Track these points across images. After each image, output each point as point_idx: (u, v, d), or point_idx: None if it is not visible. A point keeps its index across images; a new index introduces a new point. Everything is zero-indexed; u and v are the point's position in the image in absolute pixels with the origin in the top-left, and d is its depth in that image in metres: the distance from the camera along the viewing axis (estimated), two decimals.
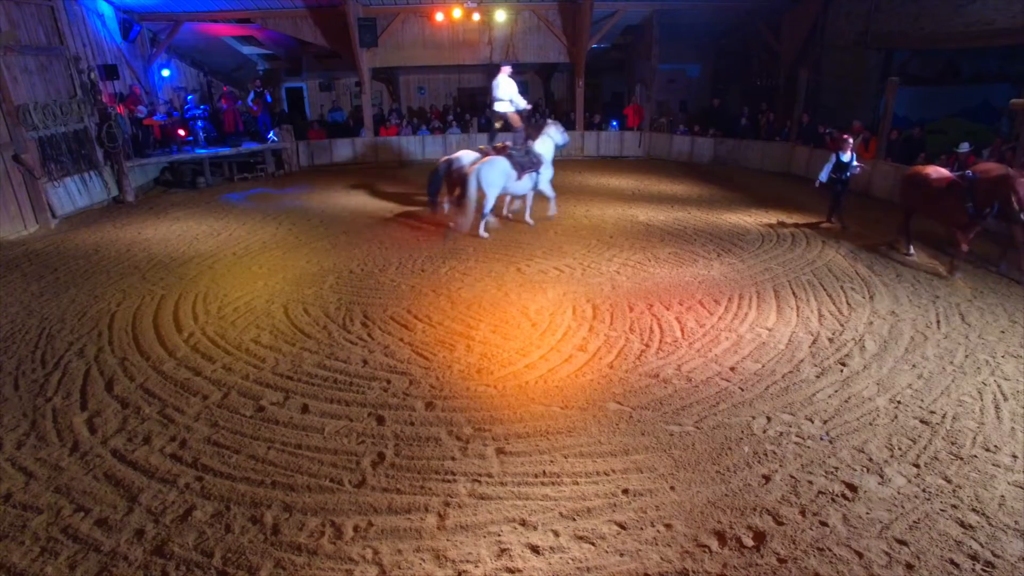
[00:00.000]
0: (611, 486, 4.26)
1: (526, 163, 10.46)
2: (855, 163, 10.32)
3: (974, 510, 3.98)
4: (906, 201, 9.16)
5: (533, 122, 12.05)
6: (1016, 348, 6.18)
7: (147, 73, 15.90)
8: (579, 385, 5.59)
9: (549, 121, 11.32)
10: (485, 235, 10.26)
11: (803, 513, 3.98)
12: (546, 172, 10.94)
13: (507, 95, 11.75)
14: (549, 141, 11.00)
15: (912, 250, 9.02)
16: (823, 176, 10.36)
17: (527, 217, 11.14)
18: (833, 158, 10.25)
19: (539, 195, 11.15)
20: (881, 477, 4.31)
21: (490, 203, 10.16)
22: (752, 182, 14.81)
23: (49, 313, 7.40)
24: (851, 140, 10.43)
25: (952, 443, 4.68)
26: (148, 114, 14.48)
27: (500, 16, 17.00)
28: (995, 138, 11.58)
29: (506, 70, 11.57)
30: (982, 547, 3.69)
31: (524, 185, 10.58)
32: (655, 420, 5.03)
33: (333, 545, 3.78)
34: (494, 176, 9.95)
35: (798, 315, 7.07)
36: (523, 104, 11.80)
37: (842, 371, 5.79)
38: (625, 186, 14.60)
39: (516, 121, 11.80)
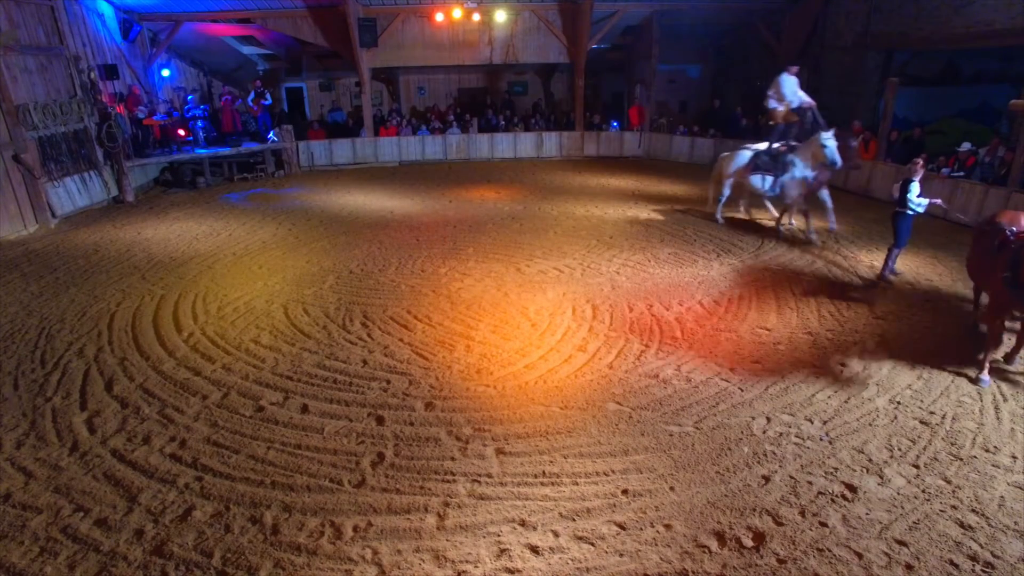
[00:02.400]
0: (611, 486, 4.26)
1: (763, 164, 10.16)
2: (921, 196, 7.58)
3: (974, 511, 3.98)
4: (970, 266, 6.63)
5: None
6: None
7: (147, 73, 15.90)
8: (579, 385, 5.59)
9: (823, 134, 9.45)
10: (720, 220, 11.05)
11: (803, 514, 3.98)
12: (790, 180, 9.92)
13: (778, 92, 10.46)
14: (808, 152, 9.70)
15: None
16: (921, 207, 7.56)
17: (809, 230, 10.03)
18: (912, 185, 7.52)
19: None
20: (881, 478, 4.31)
21: (724, 191, 10.89)
22: None
23: (49, 313, 7.40)
24: (920, 163, 7.64)
25: (952, 444, 4.68)
26: (148, 114, 14.49)
27: (500, 16, 17.01)
28: (992, 138, 11.58)
29: (793, 69, 10.41)
30: (982, 548, 3.69)
31: (758, 183, 10.35)
32: (655, 420, 5.03)
33: (333, 545, 3.78)
34: (727, 166, 10.73)
35: (798, 315, 7.07)
36: (796, 100, 10.32)
37: (842, 371, 5.79)
38: (625, 186, 14.61)
39: (778, 117, 10.69)
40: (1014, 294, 5.33)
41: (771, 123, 10.89)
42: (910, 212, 7.59)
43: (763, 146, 10.51)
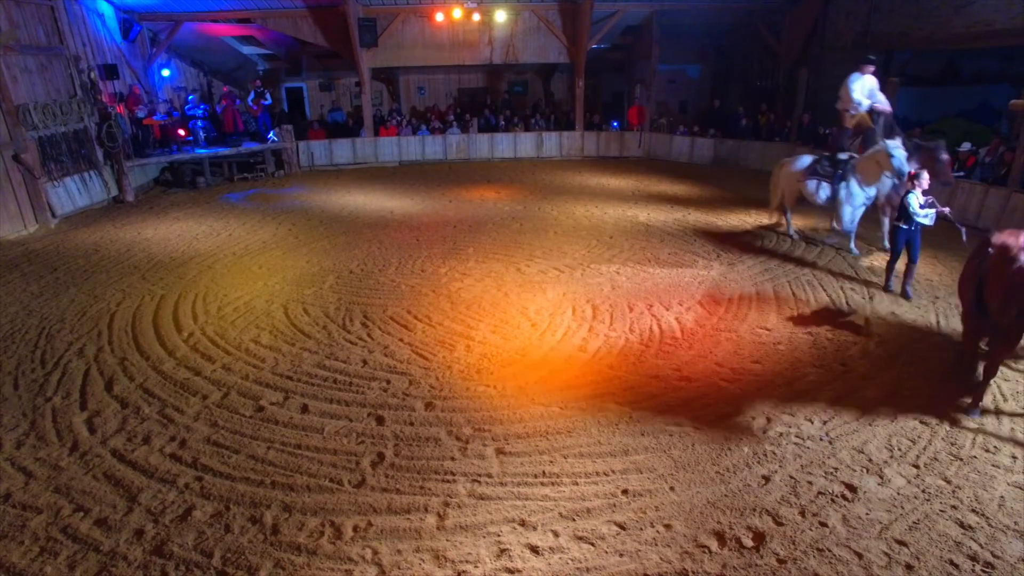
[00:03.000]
0: (611, 486, 4.26)
1: (821, 170, 9.21)
2: (927, 208, 7.10)
3: (974, 511, 3.98)
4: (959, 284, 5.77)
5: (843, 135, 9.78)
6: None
7: (147, 73, 15.90)
8: (579, 385, 5.59)
9: (888, 142, 8.29)
10: (781, 227, 10.37)
11: (803, 514, 3.98)
12: (844, 191, 8.82)
13: (845, 93, 9.61)
14: (869, 163, 8.56)
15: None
16: (929, 218, 7.13)
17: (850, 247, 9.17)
18: (910, 198, 7.11)
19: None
20: (881, 478, 4.31)
21: (786, 198, 10.06)
22: (752, 183, 14.79)
23: (49, 313, 7.40)
24: (925, 176, 7.23)
25: (952, 444, 4.68)
26: (148, 114, 14.49)
27: (500, 16, 17.01)
28: (993, 138, 11.58)
29: (867, 68, 9.40)
30: (982, 548, 3.69)
31: (812, 190, 9.33)
32: (655, 420, 5.03)
33: (333, 545, 3.78)
34: (783, 172, 9.95)
35: (798, 315, 7.07)
36: (865, 104, 9.33)
37: (842, 371, 5.79)
38: (625, 186, 14.61)
39: (846, 122, 9.80)
40: (978, 314, 4.99)
41: (841, 128, 10.02)
42: (904, 227, 7.22)
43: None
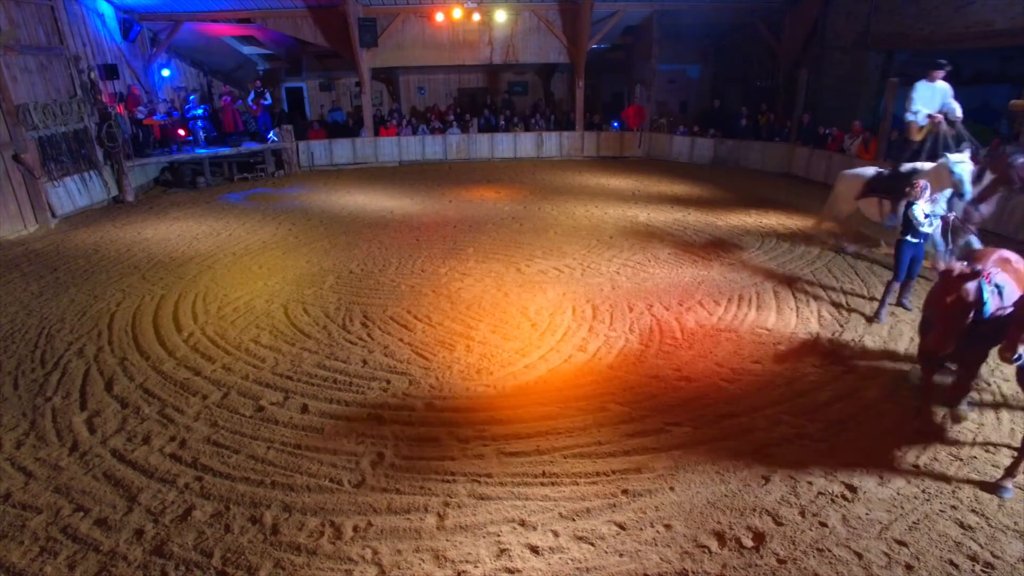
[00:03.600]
0: (611, 486, 4.25)
1: (881, 185, 8.39)
2: (933, 214, 6.68)
3: (973, 511, 3.98)
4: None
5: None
6: None
7: (147, 73, 15.90)
8: (579, 386, 5.59)
9: (951, 155, 7.40)
10: (848, 249, 9.32)
11: (802, 514, 3.98)
12: (911, 211, 7.26)
13: (909, 103, 8.91)
14: (934, 178, 7.45)
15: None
16: (936, 228, 6.79)
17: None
18: (915, 208, 6.58)
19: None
20: (881, 478, 4.31)
21: (838, 210, 9.40)
22: (752, 183, 14.81)
23: (49, 313, 7.40)
24: (925, 185, 6.70)
25: (951, 444, 4.68)
26: (148, 114, 14.50)
27: (500, 16, 17.01)
28: (993, 138, 11.58)
29: (935, 74, 8.72)
30: (981, 548, 3.69)
31: (870, 208, 8.66)
32: (655, 420, 5.03)
33: (332, 545, 3.78)
34: (841, 184, 9.30)
35: (798, 316, 7.07)
36: (922, 113, 8.65)
37: (842, 371, 5.79)
38: (625, 186, 14.61)
39: (912, 133, 9.06)
40: (924, 334, 4.82)
41: (908, 140, 9.33)
42: (912, 240, 6.69)
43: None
